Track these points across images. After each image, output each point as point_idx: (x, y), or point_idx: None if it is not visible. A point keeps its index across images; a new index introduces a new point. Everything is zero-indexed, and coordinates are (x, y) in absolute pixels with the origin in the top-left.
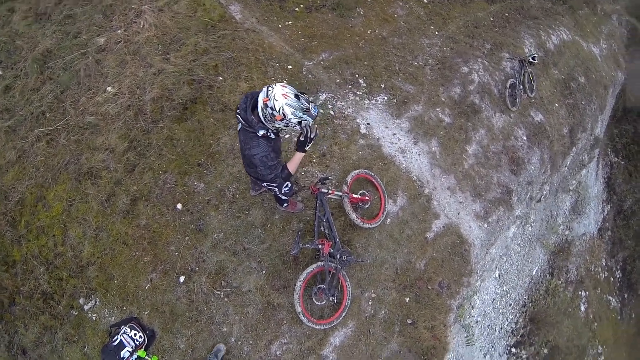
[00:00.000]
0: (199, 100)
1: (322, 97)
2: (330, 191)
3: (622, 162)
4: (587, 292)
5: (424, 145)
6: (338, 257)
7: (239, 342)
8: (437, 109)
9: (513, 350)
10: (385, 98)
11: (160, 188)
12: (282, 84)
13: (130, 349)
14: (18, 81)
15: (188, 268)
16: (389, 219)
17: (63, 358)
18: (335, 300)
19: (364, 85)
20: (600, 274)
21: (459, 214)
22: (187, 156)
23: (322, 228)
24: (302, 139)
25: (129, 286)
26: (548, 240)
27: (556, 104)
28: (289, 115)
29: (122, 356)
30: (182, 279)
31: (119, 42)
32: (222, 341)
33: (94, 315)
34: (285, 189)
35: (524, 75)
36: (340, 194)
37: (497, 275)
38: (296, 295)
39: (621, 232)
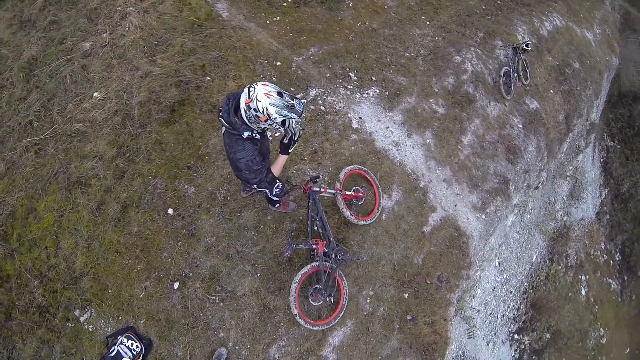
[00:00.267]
0: (186, 102)
1: (313, 92)
2: (322, 189)
3: (618, 146)
4: (587, 276)
5: (418, 138)
6: (333, 256)
7: (237, 347)
8: (431, 100)
9: (516, 336)
10: (377, 91)
11: (151, 194)
12: (263, 82)
13: (128, 359)
14: (5, 91)
15: (182, 274)
16: (384, 215)
17: None
18: (332, 300)
19: (355, 78)
20: (600, 258)
21: (455, 206)
22: (177, 160)
23: (315, 227)
24: (285, 141)
25: (124, 295)
26: (547, 227)
27: (551, 91)
28: (274, 115)
29: None
30: (176, 285)
31: (105, 46)
32: (220, 346)
33: (90, 326)
34: (276, 190)
35: (518, 62)
36: (333, 191)
37: (496, 263)
38: (292, 298)
39: (619, 215)
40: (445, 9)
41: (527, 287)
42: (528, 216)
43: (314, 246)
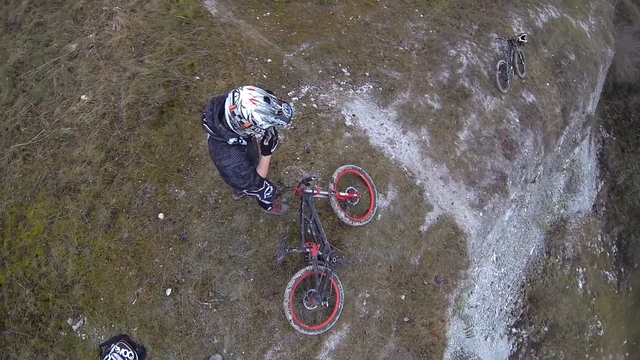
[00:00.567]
0: (175, 103)
1: (304, 89)
2: (315, 191)
3: (614, 138)
4: (584, 269)
5: (414, 134)
6: (328, 259)
7: (232, 354)
8: (426, 95)
9: (514, 330)
10: (371, 87)
11: (141, 198)
12: (249, 87)
13: None
14: None
15: (174, 280)
16: (380, 215)
17: None
18: (328, 305)
19: (348, 74)
20: (597, 250)
21: (453, 204)
22: (166, 163)
23: (309, 230)
24: (266, 143)
25: (116, 303)
26: (544, 220)
27: (547, 84)
28: (260, 122)
29: None
30: (168, 291)
31: (91, 47)
32: (214, 353)
33: (83, 334)
34: (268, 194)
35: (513, 55)
36: (326, 192)
37: (494, 258)
38: (286, 303)
39: (615, 207)
40: (438, 1)
41: (524, 281)
42: (525, 210)
43: (308, 250)
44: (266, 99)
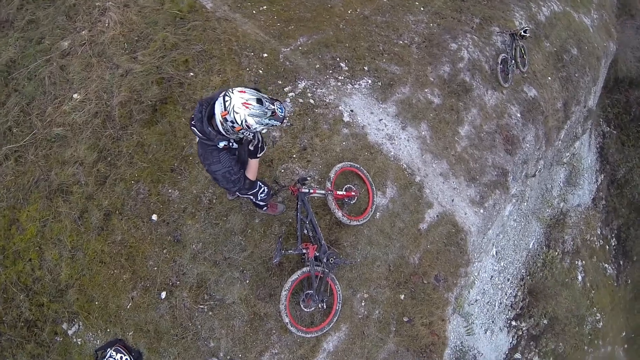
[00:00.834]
0: (169, 100)
1: (301, 85)
2: (312, 190)
3: (615, 132)
4: (583, 262)
5: (413, 130)
6: (325, 260)
7: (228, 357)
8: (426, 90)
9: (513, 323)
10: (370, 81)
11: (134, 199)
12: (240, 89)
13: None
14: None
15: (169, 283)
16: (378, 213)
17: None
18: (325, 306)
19: (346, 69)
20: (596, 243)
21: (453, 200)
22: (160, 162)
23: (305, 231)
24: (251, 148)
25: (111, 307)
26: (543, 214)
27: (549, 78)
28: (254, 125)
29: None
30: (163, 294)
31: (84, 44)
32: (211, 357)
33: (79, 339)
34: (262, 195)
35: (515, 49)
36: (323, 192)
37: (494, 252)
38: (282, 306)
39: (615, 200)
40: None
41: (524, 274)
42: (525, 204)
43: (304, 251)
44: (259, 101)
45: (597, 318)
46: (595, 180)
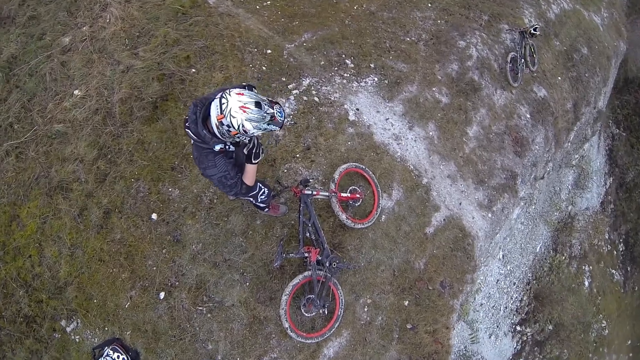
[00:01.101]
0: (170, 97)
1: (306, 82)
2: (315, 192)
3: (624, 134)
4: (590, 267)
5: (420, 130)
6: (327, 264)
7: None
8: (434, 89)
9: (518, 328)
10: (376, 79)
11: (134, 197)
12: (237, 91)
13: None
14: None
15: (168, 283)
16: (383, 216)
17: None
18: (327, 311)
19: (352, 66)
20: (604, 248)
21: (460, 204)
22: (160, 160)
23: (307, 234)
24: (245, 152)
25: (109, 305)
26: (551, 217)
27: (559, 78)
28: (252, 130)
29: None
30: (162, 295)
31: (84, 39)
32: (208, 359)
33: (77, 337)
34: (262, 197)
35: (525, 47)
36: (327, 193)
37: (500, 256)
38: (282, 310)
39: (624, 205)
40: None
41: (530, 278)
42: (533, 207)
43: (306, 255)
44: (257, 104)
45: (602, 325)
46: (604, 184)
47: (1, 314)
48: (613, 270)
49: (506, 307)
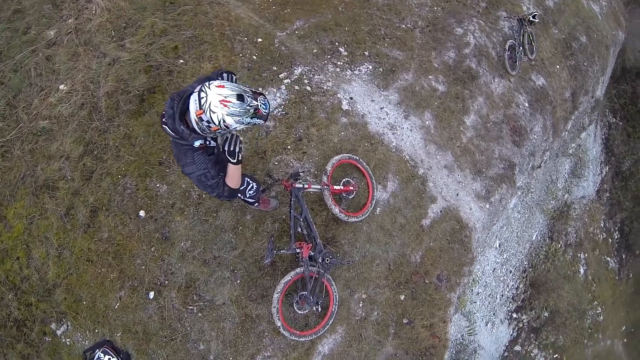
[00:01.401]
0: (157, 89)
1: (298, 71)
2: (306, 185)
3: (620, 123)
4: (586, 255)
5: (416, 119)
6: (320, 260)
7: None
8: (430, 77)
9: (514, 315)
10: (370, 67)
11: (121, 194)
12: (217, 83)
13: None
14: None
15: (157, 282)
16: (378, 208)
17: None
18: (320, 308)
19: (345, 54)
20: (599, 236)
21: (457, 195)
22: (147, 155)
23: (299, 229)
24: (226, 148)
25: (99, 306)
26: (547, 206)
27: (558, 66)
28: (234, 125)
29: None
30: (151, 294)
31: (70, 32)
32: None
33: (68, 340)
34: (251, 192)
35: (523, 35)
36: (319, 186)
37: (497, 245)
38: (274, 309)
39: (619, 193)
40: None
41: (526, 266)
42: (530, 196)
43: (298, 250)
44: (239, 97)
45: (597, 312)
46: (600, 172)
47: None
48: (608, 258)
49: (502, 295)
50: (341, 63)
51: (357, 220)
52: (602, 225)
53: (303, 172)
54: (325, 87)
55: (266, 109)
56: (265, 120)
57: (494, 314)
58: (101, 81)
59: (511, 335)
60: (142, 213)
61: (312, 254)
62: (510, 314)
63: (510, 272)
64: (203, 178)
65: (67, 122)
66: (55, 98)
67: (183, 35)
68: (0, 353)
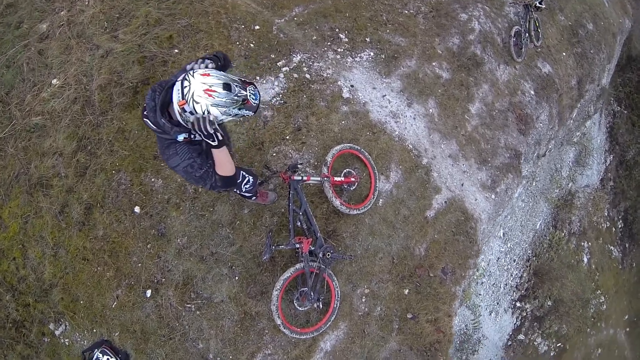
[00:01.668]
0: (151, 80)
1: (296, 58)
2: (305, 177)
3: (625, 112)
4: (589, 243)
5: (420, 107)
6: (321, 255)
7: (218, 359)
8: (434, 64)
9: (518, 304)
10: (372, 54)
11: (115, 190)
12: (202, 71)
13: None
14: None
15: (154, 280)
16: (381, 200)
17: None
18: (321, 305)
19: (346, 40)
20: (602, 225)
21: (462, 185)
22: (141, 149)
23: (298, 223)
24: (204, 132)
25: (96, 306)
26: (552, 194)
27: (564, 53)
28: (220, 117)
29: None
30: (148, 293)
31: (62, 25)
32: (200, 359)
33: (66, 340)
34: (247, 186)
35: (529, 21)
36: (319, 178)
37: (501, 234)
38: (274, 307)
39: (623, 182)
40: None
41: (530, 255)
42: (534, 184)
43: (298, 246)
44: (226, 86)
45: (601, 301)
46: (604, 161)
47: None
48: (611, 247)
49: (506, 284)
50: (342, 50)
51: (359, 212)
52: (606, 214)
53: (302, 163)
54: (325, 75)
55: (256, 99)
56: (254, 112)
57: (497, 304)
58: (94, 74)
59: (515, 324)
60: (137, 209)
61: (313, 248)
62: (514, 303)
63: (514, 261)
64: (189, 169)
65: (60, 118)
66: (48, 93)
67: (178, 24)
68: (0, 354)
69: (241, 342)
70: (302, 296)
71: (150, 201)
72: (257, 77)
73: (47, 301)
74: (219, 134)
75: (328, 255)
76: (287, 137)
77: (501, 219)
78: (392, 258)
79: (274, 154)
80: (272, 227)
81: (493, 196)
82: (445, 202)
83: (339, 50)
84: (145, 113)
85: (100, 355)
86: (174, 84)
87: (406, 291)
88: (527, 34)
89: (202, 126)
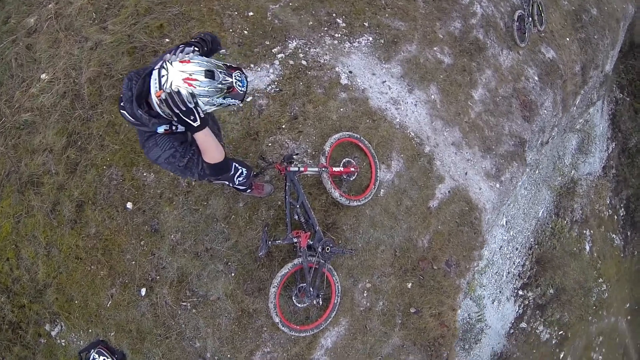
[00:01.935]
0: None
1: (292, 44)
2: (302, 168)
3: (628, 99)
4: (591, 231)
5: (421, 93)
6: (320, 249)
7: (216, 358)
8: (435, 48)
9: (520, 292)
10: (371, 39)
11: (106, 186)
12: (181, 57)
13: None
14: None
15: (148, 278)
16: (382, 190)
17: None
18: (321, 301)
19: (344, 25)
20: (604, 213)
21: (466, 174)
22: (132, 142)
23: (296, 216)
24: (176, 110)
25: (91, 305)
26: (554, 182)
27: (568, 39)
28: (203, 107)
29: None
30: (143, 291)
31: (50, 18)
32: (197, 358)
33: (63, 341)
34: (240, 179)
35: (532, 5)
36: (316, 169)
37: (504, 222)
38: (272, 304)
39: (626, 170)
40: None
41: (532, 243)
42: (537, 172)
43: (295, 240)
44: (209, 74)
45: (602, 289)
46: (606, 149)
47: None
48: (613, 235)
49: (509, 273)
50: (339, 35)
51: (359, 204)
52: (608, 202)
53: (298, 153)
54: (322, 61)
55: (243, 86)
56: (241, 101)
57: (500, 292)
58: (83, 67)
59: (517, 312)
60: (129, 205)
61: (311, 242)
62: (516, 291)
63: (517, 249)
64: (172, 159)
65: (49, 113)
66: (36, 88)
67: (169, 12)
68: None
69: (239, 340)
70: (301, 292)
71: (143, 196)
72: (252, 65)
73: (42, 302)
74: (199, 109)
75: (327, 249)
76: (283, 126)
77: (505, 207)
78: (395, 251)
79: (270, 144)
80: (268, 221)
81: (498, 185)
82: (449, 191)
83: (336, 35)
84: (122, 104)
85: (97, 355)
86: (151, 72)
87: (409, 285)
88: (530, 19)
89: (178, 102)
